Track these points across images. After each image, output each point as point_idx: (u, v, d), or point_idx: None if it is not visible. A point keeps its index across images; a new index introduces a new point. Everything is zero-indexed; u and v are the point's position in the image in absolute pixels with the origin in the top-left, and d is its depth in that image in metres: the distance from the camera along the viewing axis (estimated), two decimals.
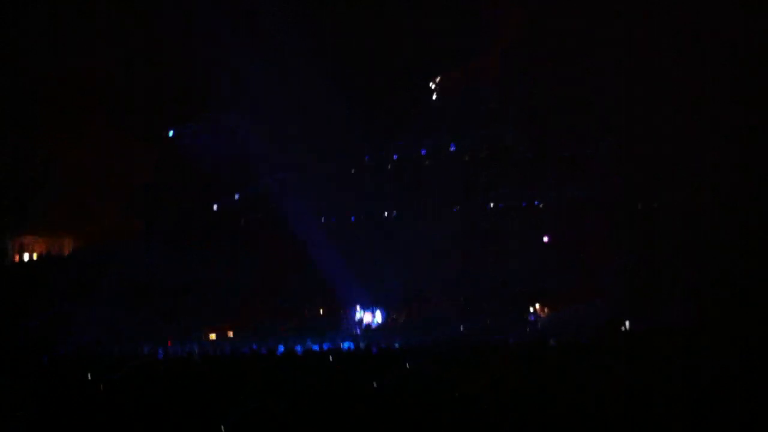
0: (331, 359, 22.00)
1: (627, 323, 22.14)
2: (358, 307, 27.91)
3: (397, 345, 22.78)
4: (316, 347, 23.12)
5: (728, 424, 12.72)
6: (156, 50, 25.96)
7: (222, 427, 15.89)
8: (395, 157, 29.71)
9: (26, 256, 26.92)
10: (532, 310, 25.77)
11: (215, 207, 30.50)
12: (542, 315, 25.44)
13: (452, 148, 28.77)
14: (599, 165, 25.06)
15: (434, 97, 28.59)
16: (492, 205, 28.75)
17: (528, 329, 24.50)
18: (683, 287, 21.25)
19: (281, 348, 23.17)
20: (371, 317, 27.63)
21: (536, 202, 27.98)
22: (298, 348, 23.08)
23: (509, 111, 26.56)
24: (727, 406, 13.09)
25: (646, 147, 23.90)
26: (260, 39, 26.50)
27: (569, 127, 25.65)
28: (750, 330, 17.71)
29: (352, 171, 30.20)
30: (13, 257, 26.65)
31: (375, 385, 18.41)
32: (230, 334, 26.57)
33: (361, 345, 23.16)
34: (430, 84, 28.43)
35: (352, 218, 30.45)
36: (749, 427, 12.66)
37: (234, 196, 30.56)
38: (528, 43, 25.37)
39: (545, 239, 27.39)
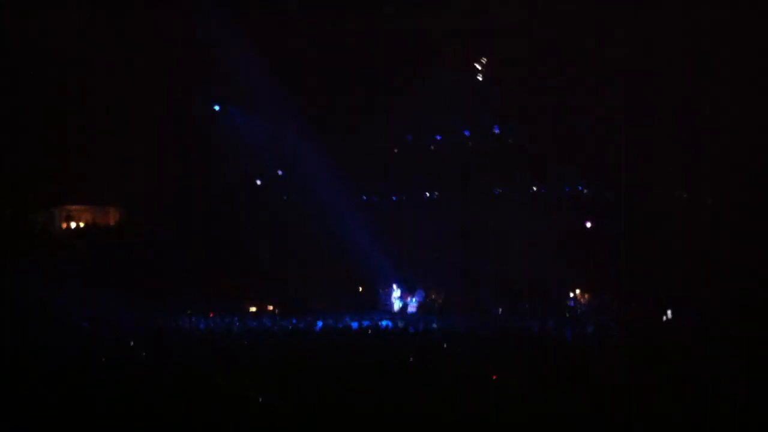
0: (368, 335, 22.17)
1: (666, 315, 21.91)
2: (395, 287, 27.96)
3: (434, 326, 22.82)
4: (354, 324, 23.23)
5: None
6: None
7: (260, 399, 16.08)
8: (438, 137, 29.62)
9: (72, 225, 27.40)
10: (572, 295, 25.61)
11: (258, 183, 30.75)
12: (582, 302, 25.26)
13: (496, 130, 28.66)
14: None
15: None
16: (533, 193, 28.61)
17: (567, 314, 24.32)
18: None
19: (320, 324, 23.33)
20: (410, 298, 27.67)
21: (580, 188, 27.80)
22: (338, 324, 23.24)
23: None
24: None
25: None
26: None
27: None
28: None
29: (396, 151, 30.17)
30: (60, 225, 27.17)
31: (411, 359, 18.53)
32: (270, 308, 26.80)
33: (399, 324, 23.22)
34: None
35: (394, 198, 30.47)
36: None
37: (276, 173, 30.78)
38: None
39: (587, 225, 27.20)
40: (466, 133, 29.26)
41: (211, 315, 24.84)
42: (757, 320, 18.25)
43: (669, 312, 21.90)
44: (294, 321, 24.09)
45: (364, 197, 30.32)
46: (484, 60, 28.05)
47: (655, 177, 23.73)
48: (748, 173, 20.77)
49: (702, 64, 21.53)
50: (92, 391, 16.49)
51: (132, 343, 22.08)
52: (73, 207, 27.62)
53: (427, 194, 30.14)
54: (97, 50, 25.76)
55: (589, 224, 27.09)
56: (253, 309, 26.47)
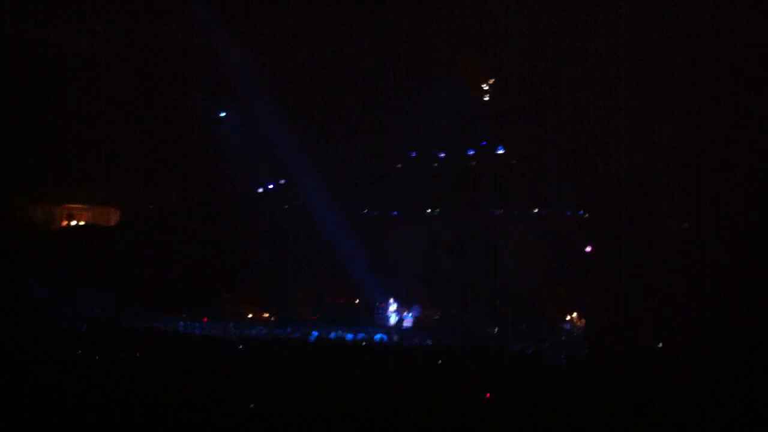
0: (362, 348, 22.14)
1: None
2: (391, 301, 27.88)
3: (429, 342, 22.77)
4: (349, 336, 23.18)
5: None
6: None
7: (251, 405, 16.06)
8: (441, 155, 29.68)
9: (73, 223, 27.37)
10: (567, 318, 25.57)
11: (259, 191, 30.77)
12: (578, 324, 25.20)
13: (500, 150, 28.68)
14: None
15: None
16: (529, 211, 28.63)
17: (563, 337, 24.27)
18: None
19: (315, 334, 23.29)
20: (406, 313, 27.59)
21: (579, 212, 27.77)
22: (332, 335, 23.19)
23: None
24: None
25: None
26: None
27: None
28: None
29: (398, 166, 30.21)
30: (60, 223, 27.13)
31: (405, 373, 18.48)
32: (266, 315, 26.76)
33: (394, 338, 23.17)
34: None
35: (394, 213, 30.44)
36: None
37: (275, 183, 30.82)
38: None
39: (587, 249, 27.21)
40: (470, 152, 29.30)
41: (205, 320, 24.79)
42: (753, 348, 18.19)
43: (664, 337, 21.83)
44: (289, 330, 24.05)
45: (365, 210, 30.32)
46: (491, 80, 28.09)
47: (657, 199, 23.70)
48: (748, 188, 20.74)
49: (703, 72, 21.56)
50: (87, 392, 16.48)
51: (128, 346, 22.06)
52: (74, 206, 27.59)
53: (429, 210, 30.13)
54: (100, 48, 25.87)
55: (589, 248, 27.08)
56: (249, 315, 26.42)
